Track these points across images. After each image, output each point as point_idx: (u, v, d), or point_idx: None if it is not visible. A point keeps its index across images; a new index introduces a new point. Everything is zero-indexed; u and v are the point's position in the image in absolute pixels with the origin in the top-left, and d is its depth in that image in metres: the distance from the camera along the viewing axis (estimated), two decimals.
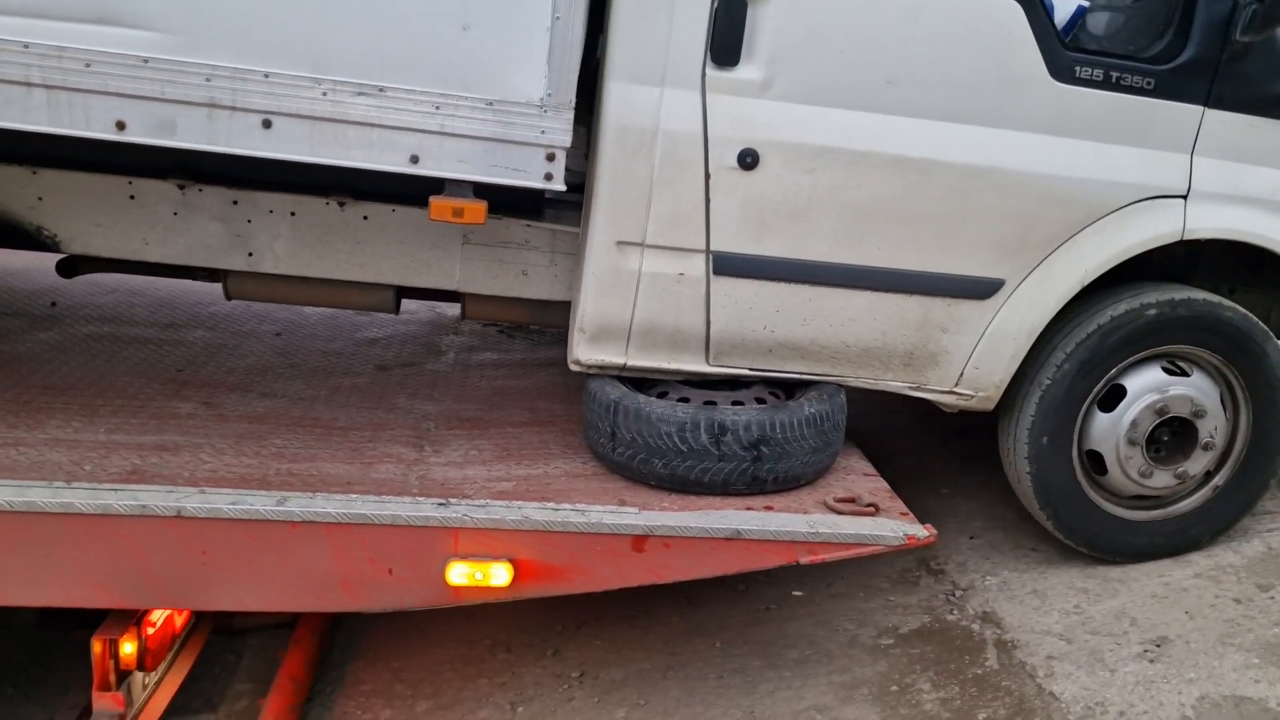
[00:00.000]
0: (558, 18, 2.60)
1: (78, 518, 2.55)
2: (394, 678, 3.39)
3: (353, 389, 3.74)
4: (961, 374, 3.23)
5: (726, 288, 3.01)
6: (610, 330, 3.05)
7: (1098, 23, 3.20)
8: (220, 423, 3.23)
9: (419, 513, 2.70)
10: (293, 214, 3.49)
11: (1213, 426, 3.35)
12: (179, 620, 3.07)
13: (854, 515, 2.94)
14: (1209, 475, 3.49)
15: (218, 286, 3.68)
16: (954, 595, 3.56)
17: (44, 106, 2.51)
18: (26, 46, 2.46)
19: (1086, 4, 3.10)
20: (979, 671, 3.14)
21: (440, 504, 2.75)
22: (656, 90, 2.81)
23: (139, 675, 2.87)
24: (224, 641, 3.54)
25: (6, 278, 4.55)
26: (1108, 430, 3.33)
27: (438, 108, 2.63)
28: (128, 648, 2.77)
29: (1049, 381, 3.25)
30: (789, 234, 2.97)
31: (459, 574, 2.71)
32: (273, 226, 3.50)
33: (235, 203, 3.46)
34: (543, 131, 2.68)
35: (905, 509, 3.01)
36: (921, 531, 2.86)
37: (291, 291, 3.67)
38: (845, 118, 2.90)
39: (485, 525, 2.70)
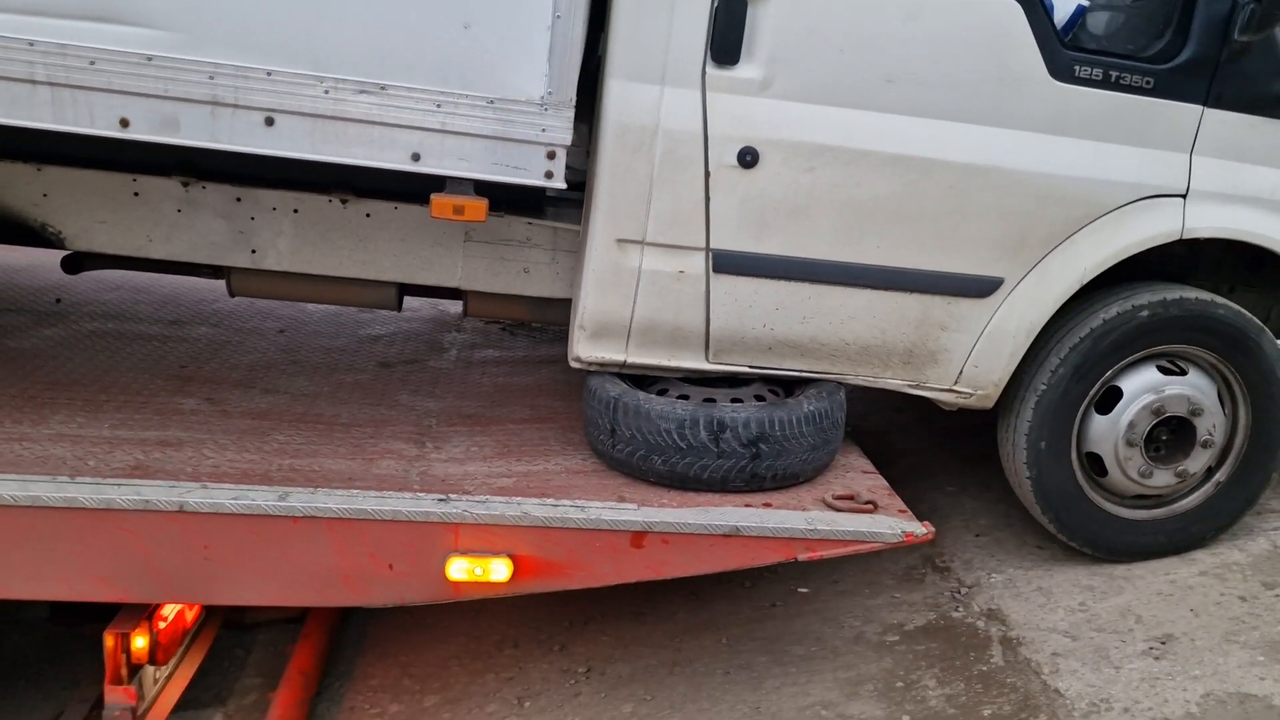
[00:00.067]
0: (558, 16, 2.61)
1: (81, 512, 2.57)
2: (402, 673, 3.41)
3: (355, 385, 3.75)
4: (961, 372, 3.23)
5: (726, 285, 3.02)
6: (610, 327, 3.06)
7: (1097, 22, 3.20)
8: (223, 419, 3.25)
9: (419, 508, 2.71)
10: (295, 211, 3.51)
11: (1211, 424, 3.35)
12: (190, 615, 3.09)
13: (852, 512, 2.94)
14: (1210, 472, 3.49)
15: (221, 283, 3.70)
16: (959, 592, 3.57)
17: (48, 104, 2.53)
18: (31, 44, 2.47)
19: (1086, 3, 3.10)
20: (984, 668, 3.14)
21: (441, 500, 2.76)
22: (657, 89, 2.82)
23: (150, 669, 2.89)
24: (234, 636, 3.57)
25: (12, 274, 4.57)
26: (1106, 432, 3.33)
27: (439, 106, 2.65)
28: (139, 642, 2.80)
29: (1044, 386, 3.25)
30: (789, 232, 2.97)
31: (459, 569, 2.73)
32: (276, 224, 3.52)
33: (238, 200, 3.48)
34: (543, 130, 2.70)
35: (904, 506, 3.01)
36: (919, 528, 2.87)
37: (294, 288, 3.69)
38: (845, 116, 2.90)
39: (485, 521, 2.72)
